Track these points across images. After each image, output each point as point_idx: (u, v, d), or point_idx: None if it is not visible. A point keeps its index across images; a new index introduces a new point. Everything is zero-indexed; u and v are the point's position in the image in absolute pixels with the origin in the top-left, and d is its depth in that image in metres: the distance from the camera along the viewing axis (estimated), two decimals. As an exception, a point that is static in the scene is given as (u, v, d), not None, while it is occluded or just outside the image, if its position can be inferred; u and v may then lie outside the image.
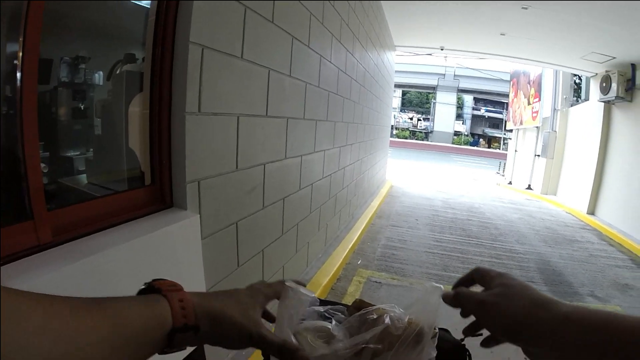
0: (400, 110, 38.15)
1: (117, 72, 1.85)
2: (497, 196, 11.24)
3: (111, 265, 1.17)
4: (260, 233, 2.41)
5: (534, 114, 12.71)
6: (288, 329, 0.71)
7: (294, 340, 0.69)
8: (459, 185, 12.87)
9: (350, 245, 4.64)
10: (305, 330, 0.76)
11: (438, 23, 7.28)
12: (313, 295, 0.79)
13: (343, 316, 0.84)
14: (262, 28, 1.97)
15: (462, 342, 0.86)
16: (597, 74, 8.29)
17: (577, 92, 11.44)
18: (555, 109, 11.13)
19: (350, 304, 0.85)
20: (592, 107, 8.74)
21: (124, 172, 1.70)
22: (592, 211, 8.51)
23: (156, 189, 1.57)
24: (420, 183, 11.93)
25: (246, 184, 2.12)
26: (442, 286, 0.72)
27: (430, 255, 5.00)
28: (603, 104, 8.07)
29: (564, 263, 5.30)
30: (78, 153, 1.87)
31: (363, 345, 0.73)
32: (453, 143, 36.07)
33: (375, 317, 0.77)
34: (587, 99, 9.64)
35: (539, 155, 12.13)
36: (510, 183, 14.76)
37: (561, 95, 10.98)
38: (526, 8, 5.53)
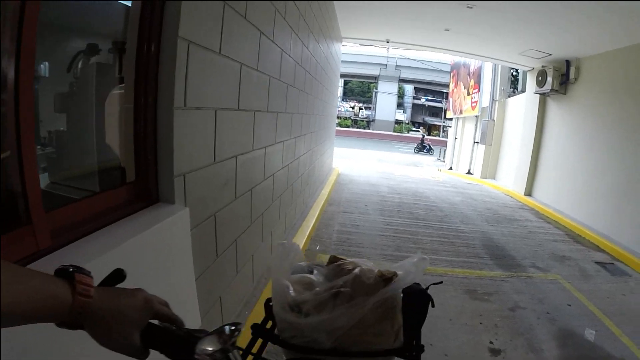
0: (342, 100, 38.54)
1: (80, 64, 1.81)
2: (440, 181, 11.83)
3: (112, 268, 1.14)
4: (233, 224, 2.47)
5: (474, 104, 13.47)
6: (284, 280, 0.92)
7: (291, 290, 0.92)
8: (402, 171, 13.37)
9: (308, 232, 4.80)
10: (295, 282, 0.95)
11: (385, 17, 7.50)
12: (299, 248, 1.03)
13: (322, 268, 1.05)
14: (236, 24, 2.00)
15: (427, 289, 1.06)
16: (533, 68, 8.98)
17: (514, 84, 12.31)
18: (493, 100, 11.94)
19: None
20: (529, 99, 9.44)
21: (102, 169, 1.66)
22: (529, 192, 9.22)
23: (142, 185, 1.57)
24: (366, 170, 12.29)
25: (222, 176, 2.16)
26: (428, 257, 0.98)
27: (383, 237, 5.26)
28: (539, 95, 8.77)
29: (506, 239, 5.76)
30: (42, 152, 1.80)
31: (336, 290, 0.90)
32: (394, 131, 37.13)
33: (349, 267, 0.96)
34: (523, 91, 10.41)
35: (478, 142, 12.87)
36: (451, 168, 15.50)
37: (499, 87, 11.77)
38: (471, 7, 5.87)
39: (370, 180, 10.26)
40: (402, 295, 0.99)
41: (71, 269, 0.55)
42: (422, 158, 21.26)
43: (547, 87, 8.01)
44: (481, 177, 12.31)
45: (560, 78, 7.85)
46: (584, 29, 5.89)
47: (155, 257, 1.40)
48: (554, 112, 8.45)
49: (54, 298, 0.52)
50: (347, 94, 40.13)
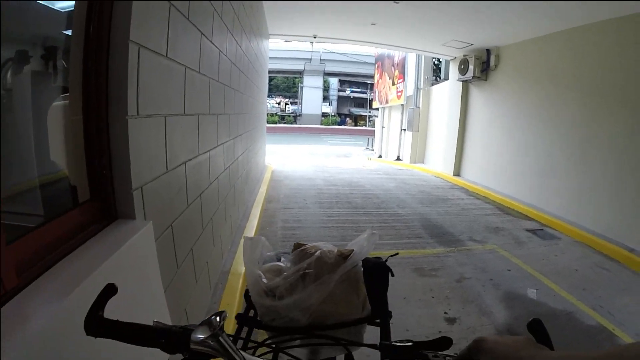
0: (268, 96, 38.20)
1: (9, 72, 1.62)
2: (372, 169, 12.21)
3: (90, 298, 1.04)
4: (188, 232, 2.38)
5: (399, 93, 14.04)
6: (257, 271, 1.03)
7: (263, 278, 1.03)
8: (334, 163, 13.62)
9: (253, 233, 4.74)
10: (266, 271, 1.07)
11: (312, 14, 7.55)
12: (265, 240, 1.15)
13: (289, 255, 1.15)
14: (180, 25, 1.91)
15: (386, 261, 1.21)
16: (456, 57, 9.53)
17: (437, 72, 12.95)
18: (418, 88, 12.51)
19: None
20: (452, 86, 10.00)
21: (51, 189, 1.49)
22: (457, 173, 9.84)
23: (98, 203, 1.45)
24: (299, 165, 12.37)
25: (174, 184, 2.07)
26: (377, 232, 1.11)
27: (327, 229, 5.35)
28: (461, 83, 9.35)
29: (443, 218, 6.10)
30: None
31: (302, 272, 1.01)
32: (322, 124, 37.56)
33: (311, 251, 1.07)
34: (446, 79, 11.06)
35: (405, 130, 13.42)
36: (380, 156, 16.01)
37: (423, 76, 12.37)
38: (397, 2, 6.08)
39: (305, 174, 10.33)
40: (363, 269, 1.10)
41: None
42: (351, 149, 21.71)
43: (469, 74, 8.60)
44: (411, 163, 12.85)
45: (481, 66, 8.46)
46: (503, 20, 6.35)
47: (125, 280, 1.30)
48: (477, 97, 9.06)
49: None
50: (273, 90, 39.69)
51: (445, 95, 10.59)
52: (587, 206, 5.39)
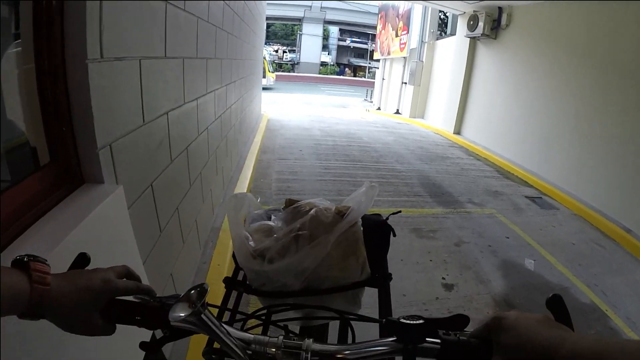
0: (266, 43, 37.13)
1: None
2: (370, 121, 11.94)
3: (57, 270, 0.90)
4: (173, 190, 2.19)
5: (402, 45, 13.53)
6: (243, 231, 0.92)
7: (251, 240, 0.92)
8: (332, 113, 13.28)
9: (247, 184, 4.61)
10: (254, 231, 0.96)
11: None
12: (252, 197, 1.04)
13: (280, 213, 1.03)
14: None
15: (387, 220, 1.08)
16: (465, 12, 9.01)
17: (442, 27, 12.38)
18: (422, 42, 11.97)
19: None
20: (459, 41, 9.50)
21: (8, 151, 1.27)
22: (458, 131, 9.58)
23: (60, 166, 1.24)
24: (295, 115, 12.02)
25: (154, 138, 1.84)
26: (377, 185, 0.97)
27: (323, 182, 5.19)
28: (469, 39, 8.88)
29: (442, 177, 5.94)
30: None
31: (295, 233, 0.90)
32: (320, 73, 36.62)
33: (306, 209, 0.95)
34: (452, 34, 10.53)
35: (406, 83, 13.03)
36: (379, 109, 15.70)
37: (429, 29, 11.80)
38: None
39: (302, 124, 10.05)
40: (362, 228, 1.00)
41: (26, 259, 0.55)
42: (349, 99, 21.21)
43: (479, 31, 8.12)
44: (410, 117, 12.57)
45: (492, 23, 7.96)
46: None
47: (97, 247, 1.11)
48: (484, 56, 8.63)
49: (11, 289, 0.51)
50: (270, 37, 38.43)
51: (451, 51, 10.11)
52: (588, 180, 5.22)
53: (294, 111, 13.03)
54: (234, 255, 0.95)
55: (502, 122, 7.72)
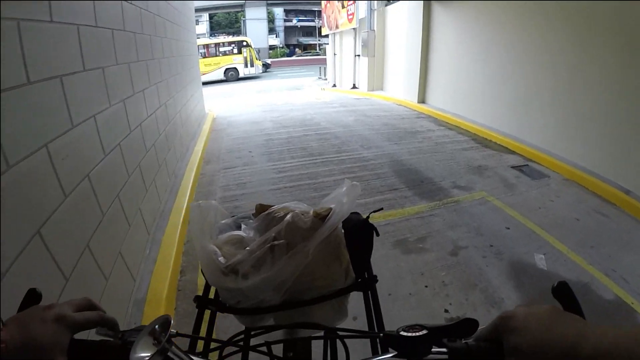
0: (211, 35, 35.50)
1: None
2: (327, 101, 11.09)
3: None
4: (110, 180, 2.14)
5: (350, 17, 12.83)
6: (210, 246, 0.83)
7: (219, 254, 0.81)
8: (285, 99, 12.29)
9: (182, 215, 3.46)
10: (223, 243, 0.87)
11: None
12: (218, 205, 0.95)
13: (251, 221, 0.94)
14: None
15: (368, 218, 0.99)
16: None
17: None
18: (371, 9, 11.22)
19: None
20: (411, 5, 8.73)
21: None
22: (422, 100, 8.85)
23: None
24: (245, 107, 10.89)
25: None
26: (358, 183, 0.88)
27: (277, 192, 4.25)
28: (422, 1, 8.09)
29: (416, 158, 5.14)
30: None
31: (270, 243, 0.81)
32: (269, 57, 35.51)
33: (280, 215, 0.86)
34: None
35: (359, 55, 12.33)
36: (334, 86, 14.98)
37: None
38: None
39: (252, 118, 8.94)
40: (343, 231, 0.93)
41: None
42: (303, 80, 20.10)
43: (432, -10, 7.27)
44: (368, 91, 11.90)
45: None
46: None
47: None
48: (442, 16, 7.84)
49: None
50: (215, 28, 36.97)
51: (404, 16, 9.31)
52: (575, 140, 4.60)
53: (244, 103, 11.86)
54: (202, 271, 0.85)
55: (471, 85, 6.95)
